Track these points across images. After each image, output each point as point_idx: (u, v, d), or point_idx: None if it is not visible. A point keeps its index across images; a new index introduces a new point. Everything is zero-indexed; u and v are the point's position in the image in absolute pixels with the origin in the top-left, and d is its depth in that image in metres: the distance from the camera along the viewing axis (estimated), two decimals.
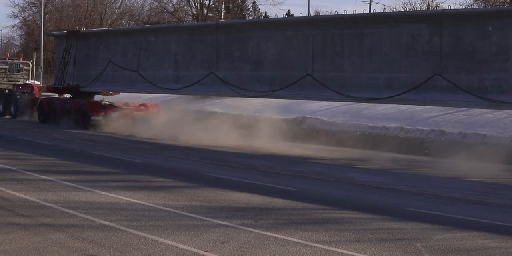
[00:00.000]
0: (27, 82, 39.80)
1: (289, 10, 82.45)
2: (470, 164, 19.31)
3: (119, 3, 69.57)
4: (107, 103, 31.57)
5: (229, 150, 22.95)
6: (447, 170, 19.02)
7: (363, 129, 26.72)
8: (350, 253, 9.12)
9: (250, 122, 28.39)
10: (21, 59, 43.36)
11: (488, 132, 23.51)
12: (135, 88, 30.53)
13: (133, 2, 71.88)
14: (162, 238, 9.60)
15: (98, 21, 64.33)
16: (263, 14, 68.30)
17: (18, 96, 37.45)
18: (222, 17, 48.36)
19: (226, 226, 10.53)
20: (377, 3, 68.47)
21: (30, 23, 72.11)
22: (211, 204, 12.53)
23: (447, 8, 21.36)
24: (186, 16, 56.80)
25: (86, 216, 10.93)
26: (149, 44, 29.62)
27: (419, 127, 25.44)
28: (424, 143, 24.35)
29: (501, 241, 10.16)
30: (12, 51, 79.54)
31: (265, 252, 9.00)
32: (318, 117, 29.56)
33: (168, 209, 11.82)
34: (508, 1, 35.77)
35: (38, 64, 51.24)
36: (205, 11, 55.73)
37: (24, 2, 73.17)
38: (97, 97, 33.85)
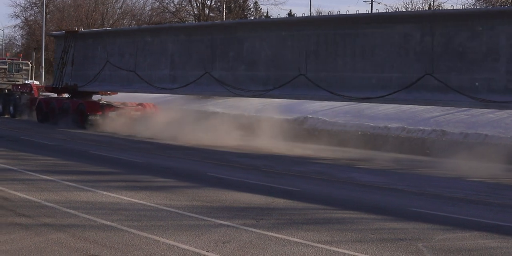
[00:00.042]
0: (26, 82, 39.84)
1: (290, 10, 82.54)
2: (472, 164, 19.31)
3: (120, 3, 69.54)
4: (104, 102, 31.63)
5: (230, 150, 22.95)
6: (448, 170, 19.02)
7: (364, 129, 26.71)
8: (351, 253, 9.12)
9: (251, 122, 28.40)
10: (20, 59, 43.43)
11: (490, 132, 23.52)
12: (132, 88, 30.62)
13: (135, 2, 72.02)
14: (163, 238, 9.60)
15: (99, 21, 64.25)
16: (265, 14, 68.27)
17: (17, 96, 37.51)
18: (224, 17, 48.32)
19: (228, 226, 10.52)
20: (379, 3, 67.96)
21: (31, 23, 72.04)
22: (212, 204, 12.53)
23: (447, 8, 21.46)
24: (187, 16, 56.78)
25: (87, 216, 10.93)
26: (146, 44, 29.70)
27: (421, 127, 25.44)
28: (426, 143, 24.35)
29: (502, 241, 10.16)
30: (13, 51, 79.52)
31: (266, 252, 9.00)
32: (319, 117, 29.54)
33: (170, 209, 11.82)
34: (510, 2, 35.71)
35: (39, 64, 51.28)
36: (206, 11, 55.73)
37: (26, 2, 73.33)
38: (95, 97, 33.91)
